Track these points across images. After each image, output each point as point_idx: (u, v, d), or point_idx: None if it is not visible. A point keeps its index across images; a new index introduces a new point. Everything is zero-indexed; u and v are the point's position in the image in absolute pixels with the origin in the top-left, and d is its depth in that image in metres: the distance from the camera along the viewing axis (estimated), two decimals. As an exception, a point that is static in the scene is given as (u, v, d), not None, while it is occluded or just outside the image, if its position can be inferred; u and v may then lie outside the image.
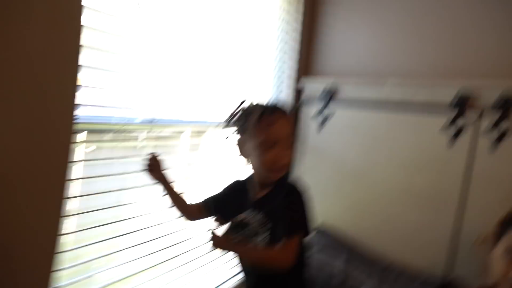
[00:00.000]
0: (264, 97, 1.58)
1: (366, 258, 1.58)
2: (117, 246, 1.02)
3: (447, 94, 1.45)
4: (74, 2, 0.76)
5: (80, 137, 0.87)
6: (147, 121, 1.04)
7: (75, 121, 0.80)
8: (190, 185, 1.19)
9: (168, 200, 1.02)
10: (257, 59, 1.52)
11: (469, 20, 1.49)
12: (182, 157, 1.24)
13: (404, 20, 1.64)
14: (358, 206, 1.69)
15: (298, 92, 1.83)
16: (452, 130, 1.46)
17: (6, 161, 0.72)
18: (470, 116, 1.41)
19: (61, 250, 0.85)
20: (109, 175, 0.97)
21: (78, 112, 0.81)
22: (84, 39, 0.79)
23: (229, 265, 1.53)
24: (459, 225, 1.44)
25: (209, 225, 0.99)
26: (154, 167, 0.97)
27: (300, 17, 1.73)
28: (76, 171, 0.87)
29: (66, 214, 0.84)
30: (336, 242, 1.65)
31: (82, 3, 0.77)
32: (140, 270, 1.11)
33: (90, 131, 0.89)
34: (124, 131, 0.99)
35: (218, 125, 1.00)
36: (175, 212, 1.04)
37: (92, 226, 0.94)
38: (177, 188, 1.03)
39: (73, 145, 0.81)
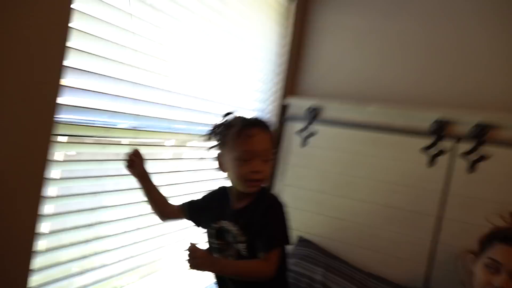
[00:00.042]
0: (248, 112, 1.60)
1: (346, 267, 1.60)
2: (96, 249, 0.99)
3: (426, 120, 1.55)
4: (62, 3, 0.75)
5: (61, 139, 0.85)
6: (131, 127, 1.02)
7: (56, 122, 0.78)
8: (172, 193, 1.17)
9: (144, 196, 1.00)
10: (244, 75, 1.54)
11: (449, 55, 1.61)
12: (165, 165, 1.23)
13: (388, 48, 1.73)
14: (338, 220, 1.71)
15: (283, 109, 1.86)
16: (432, 151, 1.53)
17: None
18: (448, 141, 1.51)
19: (38, 251, 0.82)
20: (88, 177, 0.93)
21: (60, 114, 0.79)
22: (71, 41, 0.78)
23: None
24: (436, 240, 1.51)
25: (187, 241, 0.97)
26: (135, 163, 0.95)
27: (288, 39, 1.78)
28: (55, 172, 0.84)
29: (44, 214, 0.81)
30: (316, 253, 1.66)
31: (71, 5, 0.77)
32: (119, 273, 1.07)
33: (71, 135, 0.87)
34: (106, 135, 0.97)
35: (201, 136, 1.00)
36: (149, 209, 1.03)
37: (70, 228, 0.91)
38: (158, 186, 1.01)
39: (52, 146, 0.79)
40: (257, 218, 0.90)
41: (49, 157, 0.78)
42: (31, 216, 0.77)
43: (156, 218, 1.09)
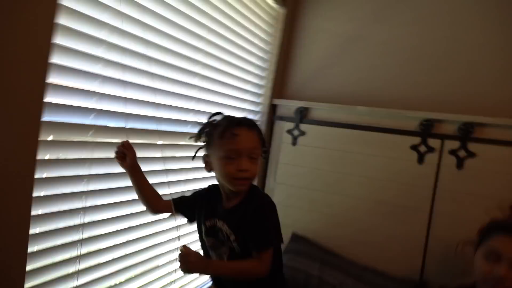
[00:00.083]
0: (238, 112, 1.59)
1: (342, 261, 1.61)
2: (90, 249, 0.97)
3: (413, 120, 1.59)
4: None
5: (48, 138, 0.82)
6: (120, 127, 0.99)
7: (42, 120, 0.75)
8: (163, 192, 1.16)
9: (135, 189, 0.98)
10: (234, 76, 1.53)
11: (434, 57, 1.64)
12: (155, 165, 1.20)
13: (375, 53, 1.75)
14: (331, 216, 1.72)
15: (273, 109, 1.86)
16: (420, 149, 1.56)
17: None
18: (436, 140, 1.55)
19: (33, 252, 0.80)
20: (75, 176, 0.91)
21: (46, 113, 0.76)
22: (56, 37, 0.76)
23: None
24: (429, 233, 1.54)
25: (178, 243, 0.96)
26: (125, 154, 0.92)
27: (277, 42, 1.79)
28: (43, 172, 0.81)
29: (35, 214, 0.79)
30: (311, 248, 1.66)
31: (57, 1, 0.74)
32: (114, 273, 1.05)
33: (58, 133, 0.84)
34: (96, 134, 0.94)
35: (190, 137, 0.99)
36: (140, 203, 1.02)
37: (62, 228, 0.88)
38: (148, 179, 0.99)
39: (39, 146, 0.76)
40: (247, 218, 0.90)
41: (37, 158, 0.75)
42: (23, 216, 0.75)
43: (147, 217, 1.08)
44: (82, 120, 0.88)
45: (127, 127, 0.99)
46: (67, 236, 0.89)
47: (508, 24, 1.52)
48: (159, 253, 1.23)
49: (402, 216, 1.59)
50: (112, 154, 0.94)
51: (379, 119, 1.66)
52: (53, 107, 0.79)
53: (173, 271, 1.28)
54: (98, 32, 0.87)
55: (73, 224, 0.90)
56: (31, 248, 0.80)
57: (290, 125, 1.82)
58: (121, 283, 1.08)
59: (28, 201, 0.76)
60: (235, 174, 0.89)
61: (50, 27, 0.74)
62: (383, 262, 1.58)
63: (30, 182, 0.75)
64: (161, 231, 1.22)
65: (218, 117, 0.97)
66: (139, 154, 0.95)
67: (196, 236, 1.34)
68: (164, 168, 1.14)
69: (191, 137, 0.98)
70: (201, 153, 0.99)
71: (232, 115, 0.98)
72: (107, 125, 0.96)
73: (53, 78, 0.77)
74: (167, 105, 1.16)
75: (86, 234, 0.94)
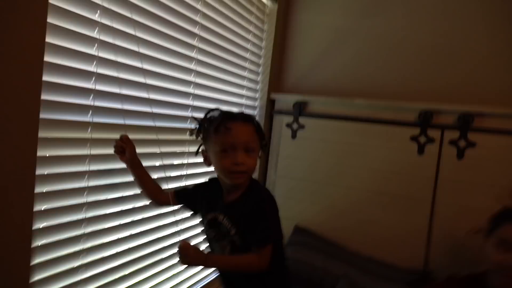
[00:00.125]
0: (236, 107, 1.60)
1: (345, 252, 1.61)
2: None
3: (412, 111, 1.59)
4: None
5: (48, 134, 0.83)
6: (119, 123, 1.01)
7: (41, 119, 0.77)
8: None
9: (136, 183, 1.00)
10: (230, 72, 1.54)
11: (430, 48, 1.63)
12: (155, 162, 1.22)
13: (370, 45, 1.75)
14: (333, 208, 1.73)
15: (272, 103, 1.87)
16: (420, 140, 1.56)
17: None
18: (435, 130, 1.55)
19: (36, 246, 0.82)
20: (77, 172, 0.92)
21: (44, 111, 0.78)
22: (49, 36, 0.77)
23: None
24: (432, 223, 1.54)
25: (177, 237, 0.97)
26: (125, 149, 0.93)
27: (272, 37, 1.80)
28: (43, 170, 0.83)
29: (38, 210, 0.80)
30: (314, 240, 1.67)
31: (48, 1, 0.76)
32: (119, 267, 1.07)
33: (57, 131, 0.85)
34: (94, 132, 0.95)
35: (190, 134, 1.00)
36: (143, 196, 1.03)
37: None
38: (148, 172, 1.00)
39: (39, 143, 0.78)
40: (247, 212, 0.91)
41: (37, 155, 0.77)
42: (26, 212, 0.77)
43: (151, 211, 1.10)
44: (80, 118, 0.90)
45: (125, 123, 1.00)
46: (70, 231, 0.90)
47: (506, 13, 1.51)
48: (163, 246, 1.24)
49: (404, 207, 1.59)
50: (111, 150, 0.95)
51: (378, 111, 1.66)
52: (50, 105, 0.80)
53: (177, 263, 1.29)
54: (90, 31, 0.88)
55: (76, 219, 0.91)
56: (36, 243, 0.81)
57: (289, 118, 1.83)
58: (125, 276, 1.10)
59: (31, 197, 0.77)
60: (230, 167, 0.90)
61: (43, 26, 0.75)
62: (386, 253, 1.59)
63: (31, 178, 0.76)
64: (164, 224, 1.23)
65: (215, 113, 0.97)
66: (138, 150, 0.97)
67: (197, 230, 1.36)
68: (162, 164, 1.16)
69: (191, 134, 0.99)
70: (200, 148, 1.00)
71: (226, 110, 0.98)
72: (105, 122, 0.97)
73: (48, 77, 0.78)
74: (164, 101, 1.17)
75: (90, 229, 0.95)
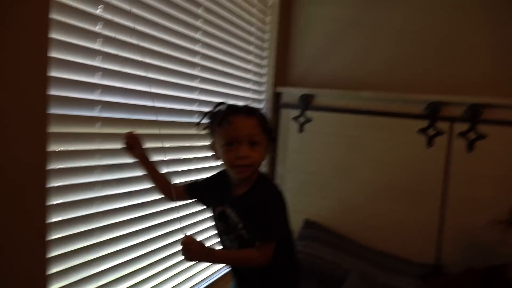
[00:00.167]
0: (242, 101, 1.60)
1: (356, 246, 1.60)
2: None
3: (420, 103, 1.56)
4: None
5: (57, 130, 0.84)
6: (127, 118, 1.01)
7: (49, 114, 0.77)
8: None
9: (148, 179, 1.00)
10: (235, 66, 1.54)
11: (438, 39, 1.61)
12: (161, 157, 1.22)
13: (376, 36, 1.73)
14: (343, 202, 1.72)
15: (277, 97, 1.86)
16: (429, 133, 1.54)
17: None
18: (444, 123, 1.52)
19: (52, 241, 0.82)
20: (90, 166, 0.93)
21: (51, 107, 0.78)
22: (52, 32, 0.77)
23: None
24: (443, 216, 1.52)
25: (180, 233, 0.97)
26: (133, 145, 0.95)
27: (275, 30, 1.79)
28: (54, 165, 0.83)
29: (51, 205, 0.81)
30: (324, 234, 1.66)
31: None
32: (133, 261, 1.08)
33: (66, 126, 0.86)
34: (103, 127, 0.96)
35: (195, 127, 1.00)
36: (156, 192, 1.03)
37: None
38: (158, 167, 1.01)
39: (49, 139, 0.78)
40: (254, 207, 0.90)
41: (48, 150, 0.77)
42: (40, 208, 0.78)
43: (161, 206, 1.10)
44: (88, 113, 0.90)
45: (132, 118, 1.00)
46: (84, 225, 0.91)
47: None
48: (173, 240, 1.24)
49: (414, 200, 1.58)
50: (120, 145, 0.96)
51: (385, 104, 1.64)
52: (58, 100, 0.81)
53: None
54: (93, 26, 0.88)
55: (88, 212, 0.92)
56: (51, 237, 0.82)
57: (295, 112, 1.82)
58: (137, 270, 1.10)
59: (43, 191, 0.77)
60: (234, 161, 0.90)
61: (46, 22, 0.75)
62: (397, 247, 1.58)
63: (43, 173, 0.77)
64: (172, 219, 1.23)
65: (222, 107, 0.97)
66: (148, 145, 0.97)
67: (201, 225, 1.37)
68: (166, 158, 1.16)
69: (196, 127, 0.99)
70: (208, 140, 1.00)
71: (232, 104, 0.97)
72: (114, 117, 0.98)
73: (55, 73, 0.79)
74: (170, 95, 1.17)
75: (103, 222, 0.96)
